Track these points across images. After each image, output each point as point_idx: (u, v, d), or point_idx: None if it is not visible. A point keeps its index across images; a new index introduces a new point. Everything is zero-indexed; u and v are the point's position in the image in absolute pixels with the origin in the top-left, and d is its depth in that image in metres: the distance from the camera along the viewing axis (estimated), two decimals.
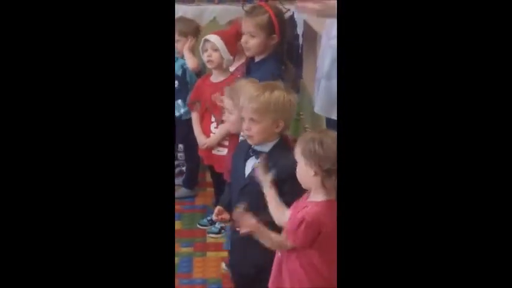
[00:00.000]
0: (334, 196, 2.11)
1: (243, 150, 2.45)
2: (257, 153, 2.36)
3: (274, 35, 3.03)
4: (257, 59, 3.08)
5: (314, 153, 2.09)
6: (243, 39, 3.04)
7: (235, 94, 2.60)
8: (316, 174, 2.10)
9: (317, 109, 3.01)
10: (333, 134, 2.14)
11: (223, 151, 3.34)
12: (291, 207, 2.19)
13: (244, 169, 2.40)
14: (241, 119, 2.37)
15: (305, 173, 2.13)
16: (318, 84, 3.02)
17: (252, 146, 2.39)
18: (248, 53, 3.09)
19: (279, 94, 2.34)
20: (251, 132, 2.34)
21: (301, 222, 2.08)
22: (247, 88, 2.38)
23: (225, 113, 2.70)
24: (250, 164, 2.38)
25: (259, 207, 2.26)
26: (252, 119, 2.32)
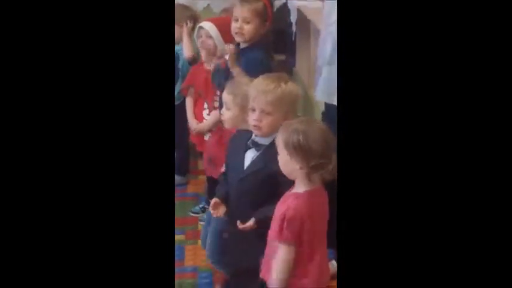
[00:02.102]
0: (318, 184, 2.09)
1: (241, 141, 2.42)
2: (257, 145, 2.34)
3: (267, 23, 3.04)
4: (242, 46, 3.07)
5: (299, 147, 2.03)
6: (237, 24, 3.02)
7: (237, 90, 2.58)
8: (301, 168, 2.05)
9: (319, 96, 2.99)
10: (319, 125, 2.12)
11: None
12: (280, 201, 2.15)
13: (243, 161, 2.37)
14: (250, 110, 2.33)
15: (289, 165, 2.08)
16: (319, 71, 3.00)
17: (252, 137, 2.37)
18: (240, 39, 3.07)
19: (292, 86, 2.34)
20: (261, 123, 2.30)
21: (282, 220, 2.05)
22: (259, 80, 2.36)
23: (223, 107, 2.68)
24: (250, 155, 2.36)
25: (257, 200, 2.27)
26: (264, 111, 2.29)
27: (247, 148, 2.37)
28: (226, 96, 2.62)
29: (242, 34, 3.02)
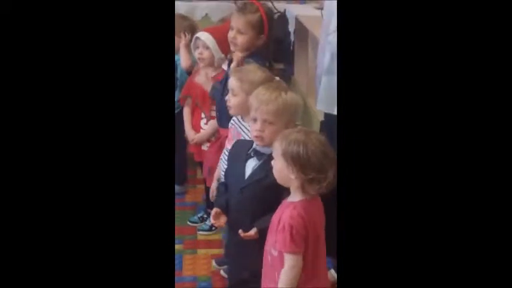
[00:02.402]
0: (311, 195, 2.10)
1: (241, 151, 2.42)
2: (259, 154, 2.34)
3: (262, 35, 3.04)
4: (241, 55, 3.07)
5: (298, 158, 2.04)
6: (232, 34, 3.04)
7: (244, 77, 2.59)
8: (297, 178, 2.06)
9: (319, 106, 2.99)
10: (318, 136, 2.12)
11: None
12: (277, 210, 2.16)
13: (244, 170, 2.36)
14: (251, 120, 2.34)
15: (284, 173, 2.09)
16: (318, 81, 3.00)
17: (254, 147, 2.37)
18: (234, 49, 3.09)
19: (292, 96, 2.35)
20: (264, 133, 2.30)
21: (289, 230, 2.04)
22: (260, 90, 2.37)
23: (229, 94, 2.68)
24: (251, 165, 2.35)
25: (258, 210, 2.26)
26: (266, 121, 2.29)
27: (248, 157, 2.37)
28: (233, 82, 2.62)
29: (235, 44, 3.04)
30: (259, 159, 2.33)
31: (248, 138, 2.58)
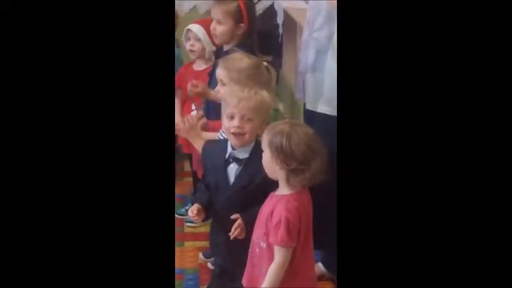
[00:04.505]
0: (299, 188, 2.11)
1: (217, 154, 2.38)
2: (238, 160, 2.31)
3: (242, 24, 3.03)
4: (226, 48, 3.07)
5: (281, 149, 2.05)
6: (212, 26, 3.05)
7: (231, 65, 2.59)
8: (281, 169, 2.07)
9: (309, 106, 2.93)
10: (304, 129, 2.12)
11: None
12: (265, 203, 2.16)
13: (227, 176, 2.33)
14: (228, 118, 2.30)
15: (271, 164, 2.10)
16: (301, 77, 2.95)
17: (230, 153, 2.33)
18: (216, 40, 3.09)
19: (266, 94, 2.34)
20: (243, 130, 2.27)
21: (280, 223, 2.05)
22: (236, 88, 2.36)
23: (218, 84, 2.66)
24: (233, 171, 2.32)
25: (245, 209, 2.26)
26: (245, 117, 2.27)
27: (227, 163, 2.34)
28: (221, 72, 2.62)
29: (215, 36, 3.05)
30: (239, 165, 2.32)
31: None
